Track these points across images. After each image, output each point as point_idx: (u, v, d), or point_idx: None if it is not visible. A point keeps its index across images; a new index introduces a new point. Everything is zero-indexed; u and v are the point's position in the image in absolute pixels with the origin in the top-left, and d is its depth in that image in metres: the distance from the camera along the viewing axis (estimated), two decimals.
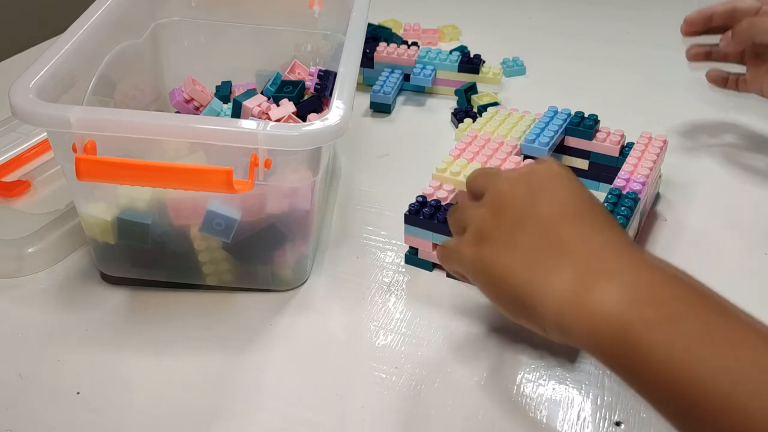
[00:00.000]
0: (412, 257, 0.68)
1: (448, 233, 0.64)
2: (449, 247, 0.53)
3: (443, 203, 0.66)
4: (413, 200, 0.67)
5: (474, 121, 0.86)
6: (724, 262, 0.68)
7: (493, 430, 0.53)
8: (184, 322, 0.62)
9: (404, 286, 0.66)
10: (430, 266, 0.68)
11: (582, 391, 0.56)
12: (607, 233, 0.45)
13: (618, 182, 0.68)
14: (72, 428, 0.54)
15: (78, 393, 0.56)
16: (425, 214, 0.65)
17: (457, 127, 0.89)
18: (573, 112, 0.77)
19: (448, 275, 0.67)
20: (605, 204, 0.65)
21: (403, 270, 0.68)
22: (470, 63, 0.94)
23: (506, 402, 0.55)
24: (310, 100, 0.80)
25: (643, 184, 0.68)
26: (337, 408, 0.55)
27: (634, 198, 0.66)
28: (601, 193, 0.77)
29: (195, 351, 0.60)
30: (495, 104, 0.91)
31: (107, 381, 0.57)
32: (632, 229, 0.67)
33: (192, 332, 0.61)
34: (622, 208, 0.65)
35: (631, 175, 0.69)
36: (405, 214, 0.66)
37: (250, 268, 0.65)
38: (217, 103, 0.79)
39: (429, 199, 0.67)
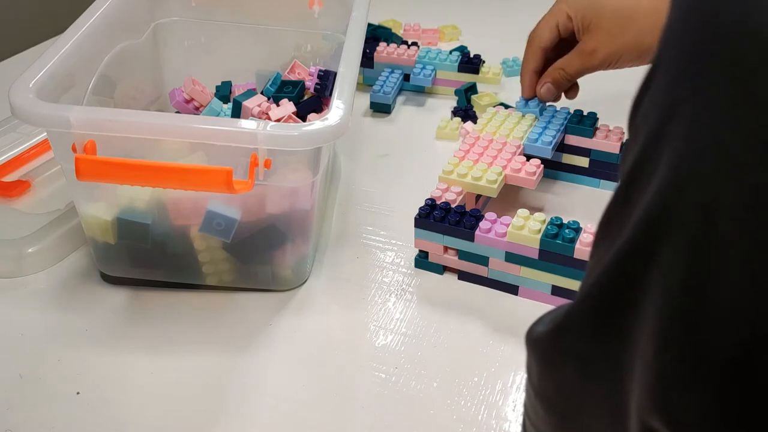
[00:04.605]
0: (422, 261, 0.68)
1: (460, 236, 0.64)
2: None
3: (452, 206, 0.66)
4: (413, 200, 0.67)
5: (465, 122, 0.86)
6: None
7: (493, 429, 0.53)
8: (184, 322, 0.62)
9: (404, 286, 0.66)
10: (441, 269, 0.68)
11: None
12: None
13: None
14: (72, 428, 0.54)
15: (78, 393, 0.56)
16: (436, 217, 0.65)
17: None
18: (572, 111, 0.77)
19: (460, 277, 0.66)
20: None
21: (403, 270, 0.68)
22: (470, 63, 0.94)
23: (506, 402, 0.55)
24: (310, 100, 0.80)
25: None
26: (337, 408, 0.55)
27: None
28: (602, 191, 0.77)
29: (195, 351, 0.60)
30: (506, 107, 0.88)
31: (107, 381, 0.57)
32: None
33: (192, 332, 0.61)
34: None
35: None
36: (415, 218, 0.66)
37: (250, 268, 0.65)
38: (217, 103, 0.79)
39: (438, 202, 0.66)
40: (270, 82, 0.83)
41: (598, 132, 0.75)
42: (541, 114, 0.77)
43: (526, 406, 0.38)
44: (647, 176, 0.27)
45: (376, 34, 1.02)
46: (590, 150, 0.76)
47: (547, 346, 0.34)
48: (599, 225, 0.31)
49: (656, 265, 0.27)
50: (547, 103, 0.78)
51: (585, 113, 0.77)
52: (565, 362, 0.33)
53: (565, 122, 0.76)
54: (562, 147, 0.77)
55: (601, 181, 0.77)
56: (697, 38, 0.26)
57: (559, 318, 0.33)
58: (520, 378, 0.57)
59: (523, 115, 0.78)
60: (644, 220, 0.27)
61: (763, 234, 0.24)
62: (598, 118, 0.76)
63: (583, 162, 0.77)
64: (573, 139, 0.76)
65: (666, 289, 0.26)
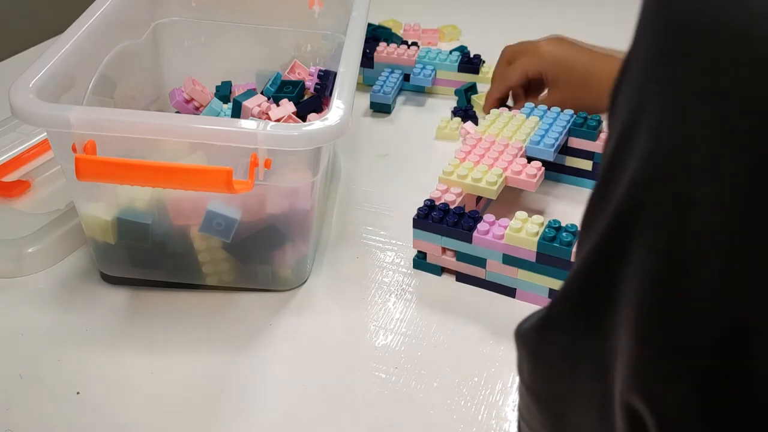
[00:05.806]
0: (421, 262, 0.68)
1: (458, 237, 0.64)
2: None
3: (451, 207, 0.66)
4: (413, 200, 0.67)
5: (465, 122, 0.86)
6: None
7: (493, 429, 0.53)
8: (184, 322, 0.62)
9: (403, 286, 0.66)
10: (439, 270, 0.67)
11: None
12: None
13: None
14: (72, 428, 0.54)
15: (78, 393, 0.56)
16: (434, 218, 0.65)
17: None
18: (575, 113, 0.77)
19: (458, 279, 0.66)
20: None
21: (403, 270, 0.68)
22: (470, 63, 0.94)
23: (506, 402, 0.55)
24: (310, 100, 0.80)
25: None
26: (337, 408, 0.55)
27: None
28: None
29: (195, 351, 0.60)
30: (509, 108, 0.88)
31: (107, 381, 0.57)
32: None
33: (192, 332, 0.62)
34: None
35: None
36: (414, 218, 0.65)
37: (250, 268, 0.65)
38: (217, 103, 0.79)
39: (437, 203, 0.66)
40: (270, 82, 0.83)
41: (602, 135, 0.75)
42: (544, 116, 0.77)
43: (519, 405, 0.38)
44: (620, 170, 0.27)
45: (376, 34, 1.02)
46: (593, 153, 0.76)
47: (534, 342, 0.34)
48: (582, 219, 0.31)
49: (629, 258, 0.27)
50: (551, 107, 0.78)
51: (589, 116, 0.76)
52: (552, 357, 0.33)
53: (569, 125, 0.75)
54: (565, 150, 0.76)
55: None
56: (664, 32, 0.26)
57: (543, 313, 0.33)
58: None
59: (527, 117, 0.77)
60: (616, 214, 0.27)
61: (737, 225, 0.23)
62: (602, 121, 0.76)
63: (587, 165, 0.77)
64: (576, 142, 0.76)
65: (640, 283, 0.26)
